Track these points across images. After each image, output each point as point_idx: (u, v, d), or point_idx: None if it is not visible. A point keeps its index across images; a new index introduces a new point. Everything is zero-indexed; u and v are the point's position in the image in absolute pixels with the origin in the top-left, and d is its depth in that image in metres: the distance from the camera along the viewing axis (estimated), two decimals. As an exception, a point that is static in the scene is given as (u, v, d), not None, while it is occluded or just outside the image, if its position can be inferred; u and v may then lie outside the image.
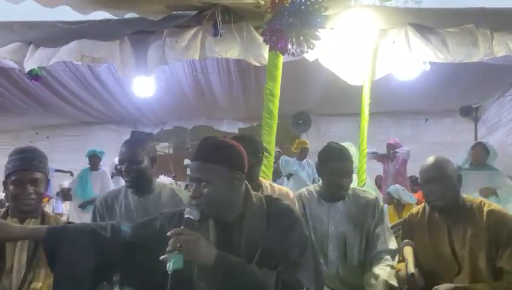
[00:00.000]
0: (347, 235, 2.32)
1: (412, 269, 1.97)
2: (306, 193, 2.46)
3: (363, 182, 3.77)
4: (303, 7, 2.92)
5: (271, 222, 1.54)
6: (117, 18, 3.51)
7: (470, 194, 2.63)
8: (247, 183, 1.61)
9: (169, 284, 1.33)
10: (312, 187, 2.52)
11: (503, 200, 4.01)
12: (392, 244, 2.31)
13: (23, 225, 1.71)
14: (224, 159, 1.51)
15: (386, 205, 5.10)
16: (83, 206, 5.91)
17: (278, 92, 3.41)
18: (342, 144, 2.50)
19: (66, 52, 3.56)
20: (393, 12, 3.70)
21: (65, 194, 6.78)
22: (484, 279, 1.95)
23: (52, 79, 5.45)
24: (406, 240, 2.16)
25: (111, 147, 6.39)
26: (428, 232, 2.13)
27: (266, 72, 3.44)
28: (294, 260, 1.49)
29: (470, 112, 7.25)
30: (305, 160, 6.99)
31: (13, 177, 1.85)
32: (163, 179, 6.45)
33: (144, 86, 4.11)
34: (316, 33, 3.00)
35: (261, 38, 3.36)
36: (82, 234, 1.58)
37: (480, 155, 4.54)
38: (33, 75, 4.46)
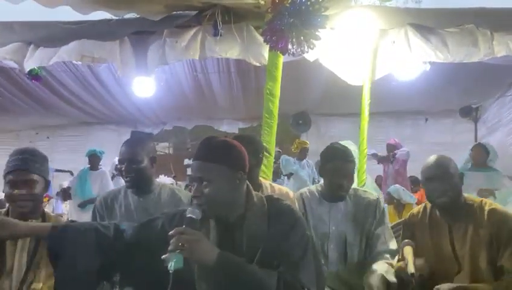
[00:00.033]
0: (348, 235, 2.32)
1: (412, 269, 1.97)
2: (307, 193, 2.46)
3: (363, 182, 3.77)
4: (303, 7, 2.92)
5: (272, 222, 1.54)
6: (117, 18, 3.51)
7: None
8: (248, 183, 1.61)
9: (171, 283, 1.33)
10: (314, 187, 2.52)
11: (500, 201, 4.01)
12: (393, 245, 2.31)
13: (28, 222, 1.71)
14: (226, 158, 1.51)
15: (386, 205, 5.10)
16: (82, 205, 5.91)
17: (278, 92, 3.41)
18: (342, 142, 2.50)
19: (66, 52, 3.56)
20: (393, 13, 3.70)
21: (65, 193, 6.78)
22: (484, 278, 1.95)
23: (52, 79, 5.45)
24: (406, 240, 2.17)
25: (111, 147, 6.39)
26: (429, 231, 2.14)
27: (266, 72, 3.43)
28: (295, 260, 1.49)
29: (470, 112, 7.25)
30: (304, 160, 7.00)
31: (9, 178, 1.85)
32: (164, 179, 6.46)
33: (144, 86, 4.11)
34: (317, 33, 3.00)
35: (261, 38, 3.36)
36: (86, 232, 1.59)
37: (480, 156, 4.55)
38: (33, 75, 4.46)
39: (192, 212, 1.45)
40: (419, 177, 2.24)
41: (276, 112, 3.40)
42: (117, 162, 2.56)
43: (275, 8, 2.98)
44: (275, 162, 4.34)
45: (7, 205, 1.92)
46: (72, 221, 1.73)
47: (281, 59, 3.39)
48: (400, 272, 2.03)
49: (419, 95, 5.95)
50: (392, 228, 2.56)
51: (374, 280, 2.06)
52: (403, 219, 2.44)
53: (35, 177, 1.87)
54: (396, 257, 2.23)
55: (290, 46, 3.03)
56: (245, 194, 1.58)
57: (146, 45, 3.63)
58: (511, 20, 3.47)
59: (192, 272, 1.49)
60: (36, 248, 1.82)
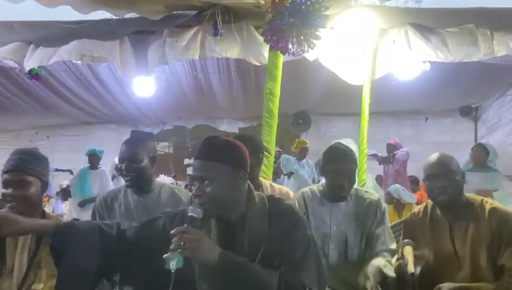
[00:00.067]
0: (348, 235, 2.33)
1: (412, 268, 1.97)
2: (309, 192, 2.47)
3: (363, 181, 3.77)
4: (303, 7, 2.92)
5: (273, 221, 1.54)
6: (117, 18, 3.51)
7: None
8: (249, 183, 1.61)
9: (172, 283, 1.33)
10: (315, 187, 2.52)
11: (498, 202, 4.00)
12: (392, 245, 2.31)
13: (32, 219, 1.70)
14: (228, 157, 1.51)
15: (386, 205, 5.10)
16: (81, 204, 5.91)
17: (278, 91, 3.41)
18: (341, 140, 2.50)
19: (66, 52, 3.56)
20: (393, 12, 3.70)
21: (65, 193, 6.78)
22: (485, 277, 1.95)
23: (52, 79, 5.45)
24: (406, 240, 2.16)
25: (111, 146, 6.38)
26: (430, 230, 2.14)
27: (266, 72, 3.44)
28: (297, 260, 1.49)
29: (470, 112, 7.25)
30: (304, 160, 7.00)
31: (3, 178, 1.86)
32: (164, 179, 6.46)
33: (144, 85, 4.11)
34: (317, 33, 3.00)
35: (261, 38, 3.36)
36: (89, 230, 1.59)
37: (480, 156, 4.55)
38: (33, 74, 4.46)
39: (193, 211, 1.45)
40: (419, 177, 2.24)
41: (276, 111, 3.41)
42: (117, 162, 2.56)
43: (275, 7, 2.98)
44: (274, 162, 4.34)
45: None
46: (76, 219, 1.72)
47: (281, 59, 3.39)
48: (401, 267, 2.03)
49: (419, 94, 5.95)
50: (393, 227, 2.57)
51: (371, 270, 2.07)
52: (404, 218, 2.44)
53: (29, 178, 1.86)
54: (396, 257, 2.23)
55: (290, 46, 3.03)
56: (246, 194, 1.57)
57: (146, 44, 3.63)
58: (511, 20, 3.47)
59: (193, 272, 1.49)
60: (37, 248, 1.82)
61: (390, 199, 5.35)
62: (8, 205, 1.82)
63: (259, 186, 2.34)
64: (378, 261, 2.13)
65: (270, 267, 1.46)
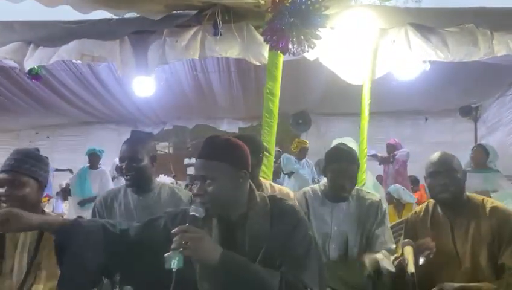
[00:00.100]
0: (349, 235, 2.33)
1: (412, 268, 1.97)
2: (311, 192, 2.47)
3: (363, 181, 3.77)
4: (303, 7, 2.92)
5: (275, 221, 1.54)
6: (117, 18, 3.51)
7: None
8: (251, 182, 1.61)
9: (173, 283, 1.32)
10: (317, 187, 2.53)
11: (498, 202, 4.01)
12: (391, 245, 2.31)
13: (40, 214, 1.69)
14: (229, 157, 1.51)
15: (386, 205, 5.10)
16: (81, 203, 5.91)
17: (278, 91, 3.41)
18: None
19: (66, 51, 3.56)
20: (393, 12, 3.70)
21: (65, 193, 6.78)
22: (485, 276, 1.96)
23: (52, 78, 5.46)
24: (406, 240, 2.16)
25: (111, 146, 6.38)
26: (431, 229, 2.14)
27: (266, 72, 3.44)
28: (298, 260, 1.49)
29: (470, 112, 7.26)
30: (304, 159, 6.99)
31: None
32: (164, 179, 6.46)
33: (144, 85, 4.11)
34: (317, 32, 3.00)
35: (261, 38, 3.36)
36: (95, 228, 1.58)
37: (480, 157, 4.55)
38: (33, 74, 4.46)
39: (195, 210, 1.45)
40: (419, 177, 2.25)
41: (276, 111, 3.41)
42: (117, 162, 2.56)
43: (275, 7, 2.98)
44: (275, 162, 4.34)
45: None
46: (80, 217, 1.71)
47: (281, 58, 3.39)
48: (401, 265, 2.03)
49: (419, 94, 5.95)
50: (393, 227, 2.57)
51: (368, 260, 2.10)
52: (405, 218, 2.45)
53: (24, 178, 1.85)
54: (395, 255, 2.23)
55: (290, 46, 3.03)
56: (248, 193, 1.58)
57: (146, 44, 3.63)
58: (511, 20, 3.47)
59: (194, 272, 1.49)
60: (37, 249, 1.81)
61: (390, 198, 5.35)
62: (4, 205, 1.81)
63: (259, 186, 2.34)
64: (377, 254, 2.16)
65: (271, 267, 1.46)
